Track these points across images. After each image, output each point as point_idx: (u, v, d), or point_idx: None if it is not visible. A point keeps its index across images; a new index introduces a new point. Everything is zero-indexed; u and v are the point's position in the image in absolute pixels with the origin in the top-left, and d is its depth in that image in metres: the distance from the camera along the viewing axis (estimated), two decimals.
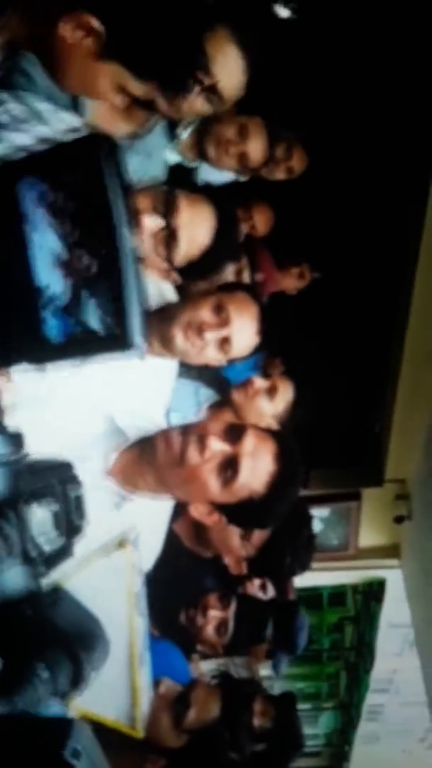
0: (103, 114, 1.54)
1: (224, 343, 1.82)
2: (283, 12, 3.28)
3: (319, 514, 4.73)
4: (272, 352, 2.52)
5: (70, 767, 1.09)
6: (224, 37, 1.74)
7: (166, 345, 1.80)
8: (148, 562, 1.63)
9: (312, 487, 4.35)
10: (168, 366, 1.92)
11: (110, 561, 1.39)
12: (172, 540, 1.86)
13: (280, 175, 2.84)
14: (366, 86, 3.26)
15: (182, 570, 1.99)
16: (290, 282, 3.33)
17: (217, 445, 1.40)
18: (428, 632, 4.30)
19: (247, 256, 2.63)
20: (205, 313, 1.80)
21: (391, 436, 4.07)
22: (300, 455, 1.51)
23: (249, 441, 1.43)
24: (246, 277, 2.59)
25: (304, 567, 2.18)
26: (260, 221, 3.06)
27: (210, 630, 2.16)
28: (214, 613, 2.17)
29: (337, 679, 6.76)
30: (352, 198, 3.56)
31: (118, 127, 1.69)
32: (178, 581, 1.95)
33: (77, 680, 1.03)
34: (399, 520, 4.36)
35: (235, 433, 1.43)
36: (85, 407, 1.49)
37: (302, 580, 4.90)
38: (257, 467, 1.43)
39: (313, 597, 5.59)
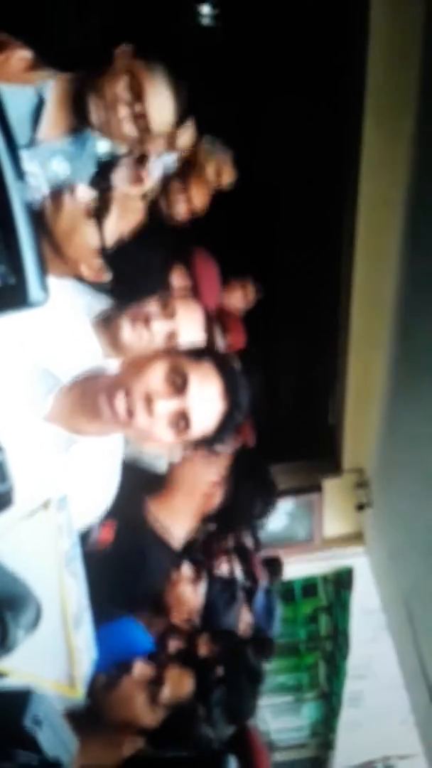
0: None
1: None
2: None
3: (283, 508, 4.81)
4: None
5: (31, 735, 1.11)
6: (157, 76, 1.82)
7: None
8: (104, 503, 1.66)
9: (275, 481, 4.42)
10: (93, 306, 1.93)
11: (34, 522, 1.37)
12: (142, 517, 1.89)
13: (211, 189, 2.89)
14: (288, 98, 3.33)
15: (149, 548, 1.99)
16: (235, 301, 3.38)
17: (164, 407, 1.39)
18: (398, 615, 4.39)
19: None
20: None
21: (346, 427, 4.16)
22: (242, 376, 1.52)
23: (194, 389, 1.41)
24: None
25: (267, 510, 2.21)
26: (197, 195, 2.89)
27: (187, 588, 2.24)
28: (187, 573, 2.26)
29: (316, 669, 6.84)
30: (283, 204, 3.63)
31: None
32: (147, 555, 1.95)
33: (4, 640, 1.05)
34: (360, 507, 4.45)
35: (179, 383, 1.42)
36: (10, 356, 1.48)
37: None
38: (207, 413, 1.44)
39: (285, 590, 5.65)
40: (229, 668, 2.17)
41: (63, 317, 1.68)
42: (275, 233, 3.70)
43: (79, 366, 1.56)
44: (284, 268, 3.77)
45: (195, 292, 2.35)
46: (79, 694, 1.39)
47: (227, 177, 2.89)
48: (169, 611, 2.29)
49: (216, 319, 3.01)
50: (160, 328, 1.83)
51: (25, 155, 1.74)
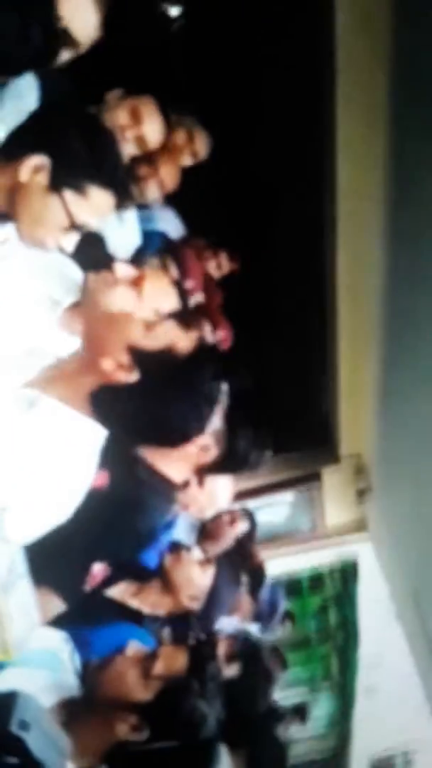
0: None
1: None
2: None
3: (283, 500, 4.76)
4: None
5: (19, 740, 1.07)
6: None
7: None
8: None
9: (272, 474, 4.36)
10: None
11: None
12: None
13: (186, 160, 2.80)
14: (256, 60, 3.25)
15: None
16: (211, 271, 3.29)
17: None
18: (406, 602, 4.34)
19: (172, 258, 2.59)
20: None
21: (341, 412, 4.09)
22: None
23: None
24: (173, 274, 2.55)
25: (262, 459, 2.14)
26: (167, 175, 2.78)
27: (196, 571, 2.25)
28: (197, 555, 2.29)
29: (329, 661, 6.79)
30: (260, 177, 3.55)
31: None
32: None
33: None
34: (361, 494, 4.39)
35: None
36: None
37: (279, 567, 4.96)
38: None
39: (292, 584, 5.61)
40: (246, 668, 2.25)
41: None
42: (254, 210, 3.63)
43: None
44: (269, 252, 3.71)
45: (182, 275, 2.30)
46: (10, 656, 1.36)
47: (200, 143, 2.82)
48: (176, 591, 2.26)
49: (203, 314, 2.96)
50: None
51: None
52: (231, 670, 2.20)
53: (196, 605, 2.29)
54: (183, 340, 1.48)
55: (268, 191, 3.58)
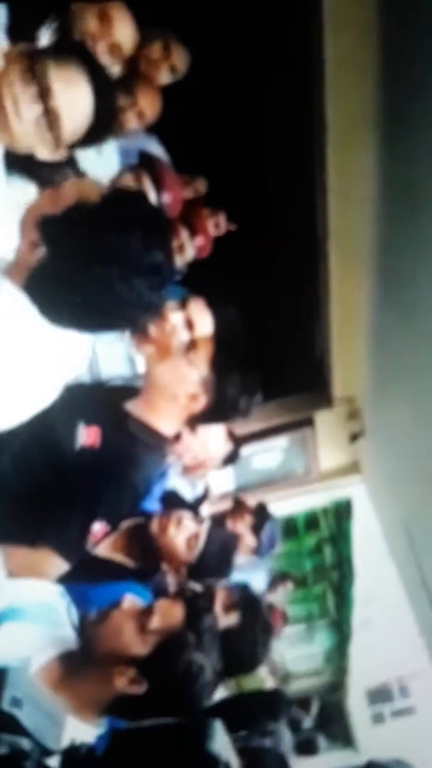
0: None
1: None
2: None
3: (277, 445, 4.77)
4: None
5: (12, 717, 1.07)
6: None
7: None
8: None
9: (265, 419, 4.36)
10: None
11: None
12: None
13: (164, 76, 2.68)
14: None
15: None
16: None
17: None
18: (399, 540, 4.40)
19: (148, 172, 2.49)
20: None
21: (334, 356, 4.06)
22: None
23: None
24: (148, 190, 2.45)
25: (252, 405, 2.12)
26: (146, 105, 2.66)
27: (181, 541, 2.22)
28: (188, 524, 2.25)
29: (325, 599, 6.97)
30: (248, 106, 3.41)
31: None
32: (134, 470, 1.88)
33: None
34: (354, 437, 4.40)
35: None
36: None
37: (275, 510, 5.00)
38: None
39: (288, 526, 5.70)
40: (244, 618, 2.27)
41: None
42: (242, 141, 3.50)
43: None
44: (257, 192, 3.61)
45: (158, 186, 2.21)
46: None
47: (178, 57, 2.70)
48: (168, 559, 2.26)
49: (182, 219, 2.86)
50: None
51: None
52: (229, 620, 2.23)
53: (193, 555, 2.28)
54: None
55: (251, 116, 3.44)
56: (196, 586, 2.29)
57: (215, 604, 2.23)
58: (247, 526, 3.14)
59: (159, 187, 2.48)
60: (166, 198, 2.50)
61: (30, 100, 1.38)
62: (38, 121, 1.40)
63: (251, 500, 3.42)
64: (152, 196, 2.43)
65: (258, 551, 3.23)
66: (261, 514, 3.24)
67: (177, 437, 2.01)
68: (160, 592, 2.20)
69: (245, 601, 2.34)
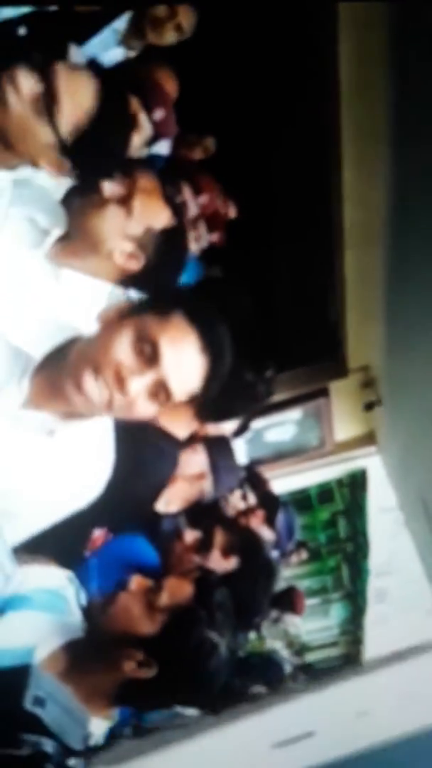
0: None
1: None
2: None
3: (291, 417, 4.73)
4: None
5: (35, 717, 1.05)
6: None
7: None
8: (96, 487, 1.55)
9: (279, 391, 4.31)
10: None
11: None
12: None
13: (170, 36, 2.61)
14: None
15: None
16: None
17: (139, 383, 1.28)
18: (415, 511, 4.37)
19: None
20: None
21: (347, 325, 4.00)
22: (218, 321, 1.39)
23: (168, 355, 1.29)
24: (142, 118, 2.36)
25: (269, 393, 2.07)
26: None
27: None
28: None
29: (340, 571, 6.98)
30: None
31: None
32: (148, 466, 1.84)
33: None
34: (369, 407, 4.35)
35: (148, 352, 1.29)
36: None
37: (288, 484, 4.99)
38: (187, 375, 1.32)
39: (301, 499, 5.68)
40: (245, 561, 2.21)
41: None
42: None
43: (47, 330, 1.41)
44: (271, 165, 3.53)
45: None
46: None
47: (185, 16, 2.60)
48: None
49: (185, 175, 2.75)
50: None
51: None
52: (229, 565, 2.15)
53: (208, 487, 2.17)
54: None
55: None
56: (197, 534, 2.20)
57: (213, 549, 2.15)
58: (261, 521, 2.96)
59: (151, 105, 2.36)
60: (158, 115, 2.40)
61: None
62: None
63: (255, 492, 3.12)
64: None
65: (279, 545, 3.11)
66: (271, 504, 3.08)
67: (189, 441, 1.98)
68: (171, 536, 2.16)
69: (245, 544, 2.27)
